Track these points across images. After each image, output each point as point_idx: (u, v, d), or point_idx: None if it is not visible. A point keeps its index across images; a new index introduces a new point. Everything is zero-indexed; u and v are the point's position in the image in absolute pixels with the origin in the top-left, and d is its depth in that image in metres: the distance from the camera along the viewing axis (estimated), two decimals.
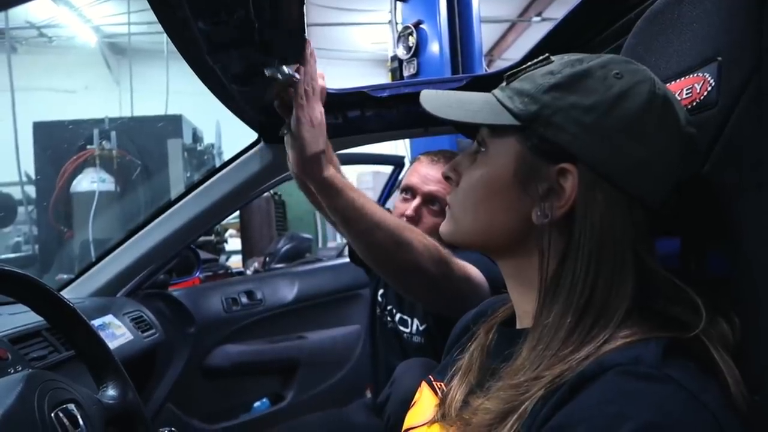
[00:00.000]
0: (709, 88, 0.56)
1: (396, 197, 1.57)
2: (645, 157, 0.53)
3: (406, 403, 0.75)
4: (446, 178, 0.67)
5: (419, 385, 0.75)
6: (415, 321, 1.40)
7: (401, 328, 1.43)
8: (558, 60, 0.58)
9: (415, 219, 1.33)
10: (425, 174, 1.37)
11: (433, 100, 0.62)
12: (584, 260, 0.53)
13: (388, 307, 1.48)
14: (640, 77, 0.54)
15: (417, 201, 1.35)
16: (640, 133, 0.53)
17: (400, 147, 3.14)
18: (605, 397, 0.45)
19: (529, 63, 0.59)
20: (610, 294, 0.52)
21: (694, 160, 0.56)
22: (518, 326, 0.64)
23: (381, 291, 1.53)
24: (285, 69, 0.88)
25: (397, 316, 1.45)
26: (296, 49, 0.90)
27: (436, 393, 0.71)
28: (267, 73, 0.86)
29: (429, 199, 1.35)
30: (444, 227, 0.66)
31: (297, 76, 0.91)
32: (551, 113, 0.54)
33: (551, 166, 0.55)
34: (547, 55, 0.59)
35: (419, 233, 1.00)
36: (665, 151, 0.53)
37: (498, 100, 0.59)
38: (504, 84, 0.61)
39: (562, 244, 0.55)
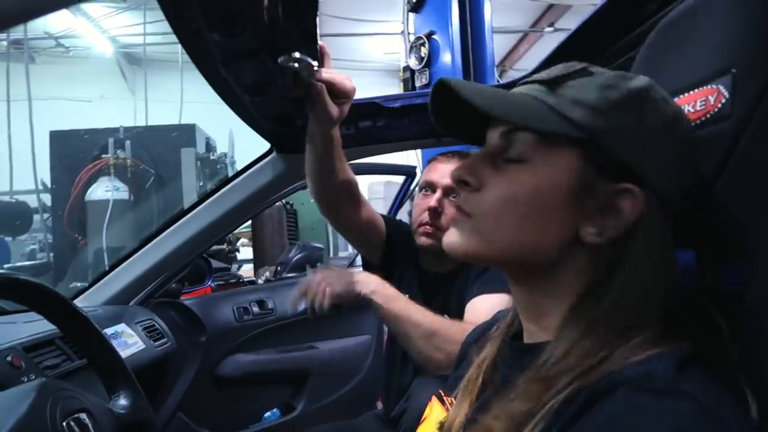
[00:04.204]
0: (723, 101, 0.56)
1: (407, 207, 1.58)
2: (690, 184, 0.54)
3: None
4: (461, 181, 0.59)
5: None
6: None
7: None
8: (600, 72, 0.56)
9: (438, 211, 1.37)
10: (443, 169, 1.40)
11: (474, 94, 0.55)
12: (625, 281, 0.52)
13: None
14: (678, 107, 0.55)
15: (438, 194, 1.39)
16: (692, 157, 0.54)
17: (411, 157, 3.14)
18: (617, 413, 0.44)
19: (569, 71, 0.56)
20: (636, 313, 0.51)
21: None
22: (526, 340, 0.63)
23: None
24: (296, 54, 0.87)
25: None
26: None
27: (447, 408, 0.70)
28: (279, 61, 0.86)
29: (449, 190, 1.39)
30: (463, 240, 0.58)
31: (312, 61, 0.91)
32: (621, 130, 0.53)
33: (611, 184, 0.53)
34: (585, 65, 0.57)
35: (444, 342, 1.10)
36: (695, 175, 0.55)
37: (550, 105, 0.55)
38: (545, 88, 0.56)
39: (604, 265, 0.54)
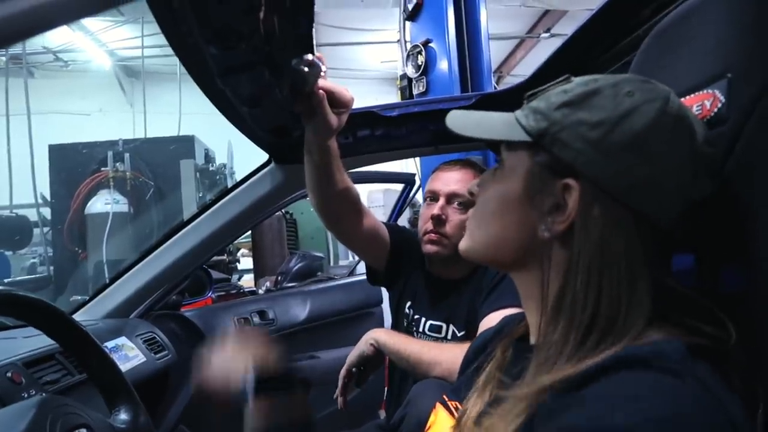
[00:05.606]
0: (719, 105, 0.56)
1: (406, 214, 1.59)
2: (650, 176, 0.52)
3: (423, 425, 0.75)
4: (470, 194, 0.68)
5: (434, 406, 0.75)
6: (452, 327, 1.41)
7: (432, 334, 1.43)
8: (577, 80, 0.58)
9: (442, 218, 1.37)
10: (446, 177, 1.41)
11: (457, 120, 0.64)
12: (584, 275, 0.53)
13: (416, 317, 1.48)
14: (652, 96, 0.53)
15: (442, 201, 1.39)
16: (646, 151, 0.52)
17: (410, 165, 3.15)
18: (620, 384, 0.44)
19: (550, 83, 0.60)
20: (620, 311, 0.51)
21: (709, 180, 0.54)
22: (532, 341, 0.63)
23: (408, 303, 1.53)
24: (309, 57, 0.90)
25: (428, 323, 1.45)
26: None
27: (451, 413, 0.70)
28: (293, 63, 0.88)
29: (452, 197, 1.39)
30: (462, 243, 0.67)
31: (322, 65, 0.93)
32: (558, 129, 0.55)
33: (557, 181, 0.55)
34: (567, 75, 0.59)
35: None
36: (674, 171, 0.52)
37: (516, 118, 0.60)
38: (525, 103, 0.62)
39: (566, 259, 0.55)
